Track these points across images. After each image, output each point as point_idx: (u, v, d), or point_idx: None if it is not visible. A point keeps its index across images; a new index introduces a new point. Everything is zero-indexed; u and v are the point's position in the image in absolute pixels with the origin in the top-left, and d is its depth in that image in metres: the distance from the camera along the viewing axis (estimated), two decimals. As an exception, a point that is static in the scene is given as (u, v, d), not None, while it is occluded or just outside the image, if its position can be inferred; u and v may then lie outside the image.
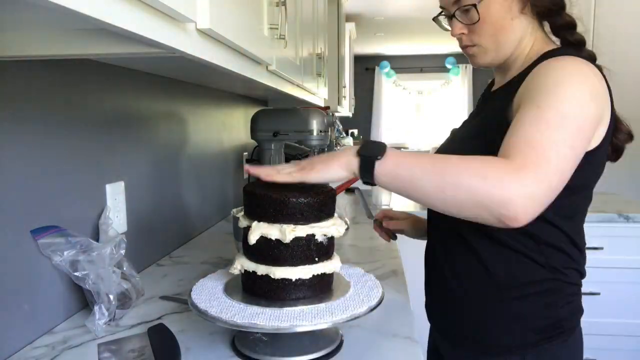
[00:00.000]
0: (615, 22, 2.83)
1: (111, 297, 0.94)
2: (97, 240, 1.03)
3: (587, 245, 0.93)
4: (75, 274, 0.92)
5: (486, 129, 0.88)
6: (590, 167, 0.83)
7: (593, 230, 1.84)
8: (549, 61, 0.84)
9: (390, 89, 8.44)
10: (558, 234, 0.87)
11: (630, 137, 0.91)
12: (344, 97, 3.85)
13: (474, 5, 0.88)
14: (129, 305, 1.01)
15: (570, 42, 0.91)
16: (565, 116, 0.75)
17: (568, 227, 0.88)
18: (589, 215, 0.93)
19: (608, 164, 0.90)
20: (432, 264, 1.01)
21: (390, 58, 8.27)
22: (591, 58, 0.87)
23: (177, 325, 0.94)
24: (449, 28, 0.96)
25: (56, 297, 0.96)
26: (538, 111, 0.76)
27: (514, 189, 0.68)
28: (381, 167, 0.74)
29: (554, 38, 0.93)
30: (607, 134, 0.83)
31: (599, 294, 2.04)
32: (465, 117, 1.11)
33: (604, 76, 0.85)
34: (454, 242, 0.93)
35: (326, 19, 2.46)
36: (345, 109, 4.13)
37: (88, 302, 0.96)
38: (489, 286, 0.89)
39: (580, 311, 0.93)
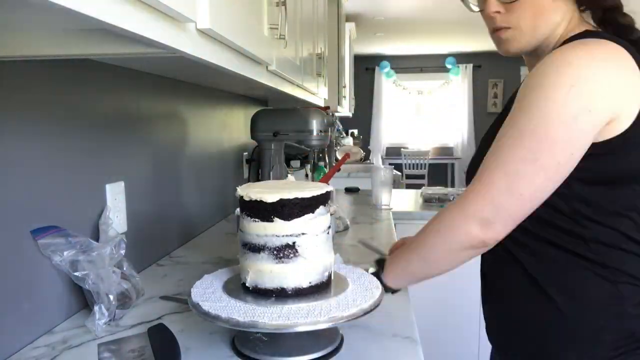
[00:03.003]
0: None
1: (111, 297, 0.94)
2: (97, 240, 1.03)
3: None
4: (75, 274, 0.92)
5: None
6: (616, 157, 0.76)
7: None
8: (557, 50, 0.77)
9: (390, 89, 8.44)
10: (611, 233, 0.79)
11: None
12: (344, 97, 3.85)
13: None
14: (129, 305, 1.01)
15: (615, 26, 0.82)
16: (522, 129, 0.74)
17: (623, 226, 0.78)
18: None
19: None
20: (485, 280, 0.98)
21: (390, 58, 8.27)
22: (635, 42, 0.79)
23: (177, 325, 0.94)
24: (475, 9, 0.87)
25: (56, 297, 0.96)
26: (504, 128, 0.77)
27: (463, 224, 0.76)
28: (388, 282, 0.90)
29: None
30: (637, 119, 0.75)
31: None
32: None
33: None
34: (501, 257, 0.87)
35: (326, 19, 2.46)
36: (345, 109, 4.13)
37: (88, 302, 0.96)
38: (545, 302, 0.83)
39: None
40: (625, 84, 0.75)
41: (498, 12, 0.83)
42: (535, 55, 0.86)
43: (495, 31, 0.85)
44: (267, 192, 0.81)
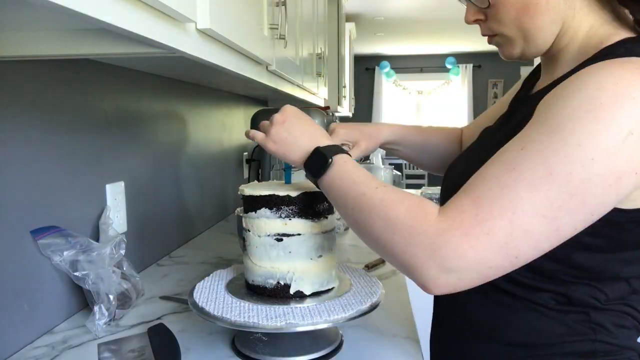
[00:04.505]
0: None
1: (111, 297, 0.94)
2: (97, 240, 1.03)
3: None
4: (75, 274, 0.92)
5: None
6: None
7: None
8: (590, 69, 0.57)
9: (390, 89, 8.44)
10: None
11: None
12: (344, 97, 3.85)
13: None
14: (129, 305, 1.01)
15: None
16: (556, 173, 0.53)
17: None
18: None
19: None
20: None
21: (390, 58, 8.27)
22: None
23: (177, 325, 0.94)
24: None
25: (56, 297, 0.96)
26: (522, 152, 0.56)
27: (420, 257, 0.56)
28: (320, 184, 0.72)
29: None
30: None
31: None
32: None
33: None
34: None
35: (326, 19, 2.46)
36: (345, 109, 4.13)
37: (88, 302, 0.96)
38: (501, 344, 0.69)
39: None
40: None
41: (478, 19, 0.71)
42: (553, 58, 0.71)
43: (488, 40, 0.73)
44: (280, 189, 0.82)
